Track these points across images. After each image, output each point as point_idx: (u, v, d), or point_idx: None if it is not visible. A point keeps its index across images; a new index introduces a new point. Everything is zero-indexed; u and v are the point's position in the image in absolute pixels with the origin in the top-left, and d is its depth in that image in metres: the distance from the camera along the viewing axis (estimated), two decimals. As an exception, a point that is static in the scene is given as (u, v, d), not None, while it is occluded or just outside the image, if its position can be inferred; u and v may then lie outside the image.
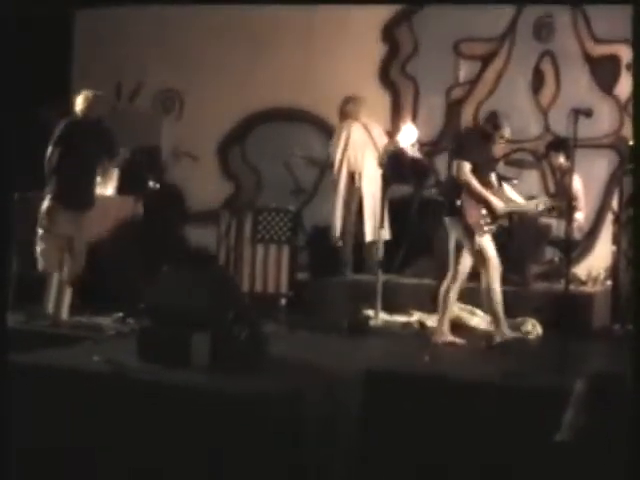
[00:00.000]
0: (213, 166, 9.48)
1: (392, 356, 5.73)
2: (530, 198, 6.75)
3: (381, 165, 7.49)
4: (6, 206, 7.00)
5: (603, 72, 8.14)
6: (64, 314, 6.53)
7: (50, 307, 6.59)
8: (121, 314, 6.61)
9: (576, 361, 5.15)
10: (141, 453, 4.19)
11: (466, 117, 8.60)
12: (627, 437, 2.85)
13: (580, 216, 7.18)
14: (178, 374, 4.45)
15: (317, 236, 8.34)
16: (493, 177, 6.10)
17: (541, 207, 6.48)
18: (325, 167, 8.22)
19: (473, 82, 8.60)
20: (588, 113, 5.73)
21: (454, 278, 6.08)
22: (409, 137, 7.56)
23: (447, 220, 6.07)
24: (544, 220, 7.08)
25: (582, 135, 5.71)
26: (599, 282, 7.53)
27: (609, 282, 7.18)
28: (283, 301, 7.57)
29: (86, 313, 6.72)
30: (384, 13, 8.83)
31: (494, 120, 6.04)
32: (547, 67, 8.33)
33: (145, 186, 8.09)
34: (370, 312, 6.85)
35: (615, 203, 7.31)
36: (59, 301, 6.52)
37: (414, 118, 8.46)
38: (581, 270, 7.59)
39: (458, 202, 5.83)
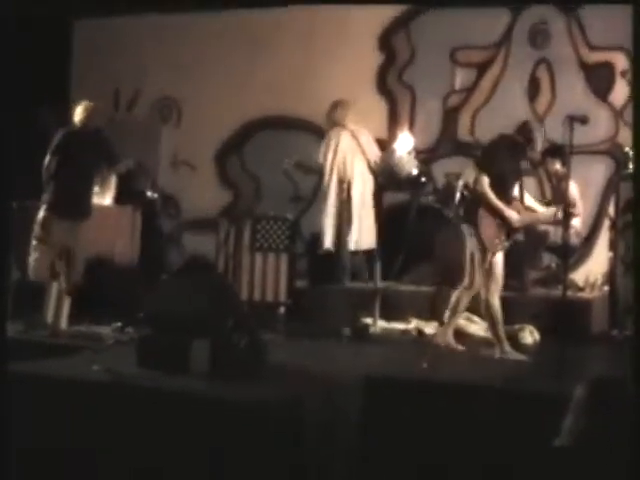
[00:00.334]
0: (211, 174, 9.48)
1: (390, 363, 5.72)
2: (547, 204, 6.70)
3: (377, 173, 7.50)
4: (4, 215, 7.03)
5: (598, 79, 8.16)
6: (63, 324, 6.52)
7: (49, 317, 6.58)
8: (120, 323, 6.60)
9: (575, 366, 5.15)
10: (141, 461, 4.18)
11: (463, 124, 8.61)
12: (628, 442, 2.85)
13: (577, 222, 7.18)
14: (177, 382, 4.45)
15: (315, 244, 8.33)
16: (516, 189, 6.01)
17: (560, 215, 6.38)
18: (320, 175, 8.21)
19: (469, 89, 8.61)
20: (584, 120, 5.74)
21: (470, 285, 5.97)
22: (406, 145, 7.57)
23: (464, 227, 6.04)
24: (541, 227, 7.08)
25: (578, 142, 5.73)
26: (597, 288, 7.52)
27: (606, 288, 7.18)
28: (282, 309, 7.55)
29: (85, 322, 6.71)
30: (381, 21, 8.85)
31: (526, 131, 5.97)
32: (543, 74, 8.34)
33: (143, 195, 8.09)
34: (368, 319, 6.84)
35: (612, 209, 7.32)
36: (58, 311, 6.51)
37: (411, 125, 8.47)
38: (579, 276, 7.59)
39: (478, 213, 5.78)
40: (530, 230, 6.95)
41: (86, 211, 6.68)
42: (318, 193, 8.35)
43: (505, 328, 6.60)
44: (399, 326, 6.91)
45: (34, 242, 6.56)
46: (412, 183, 7.67)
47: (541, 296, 7.13)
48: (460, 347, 6.08)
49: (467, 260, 5.99)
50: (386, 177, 7.40)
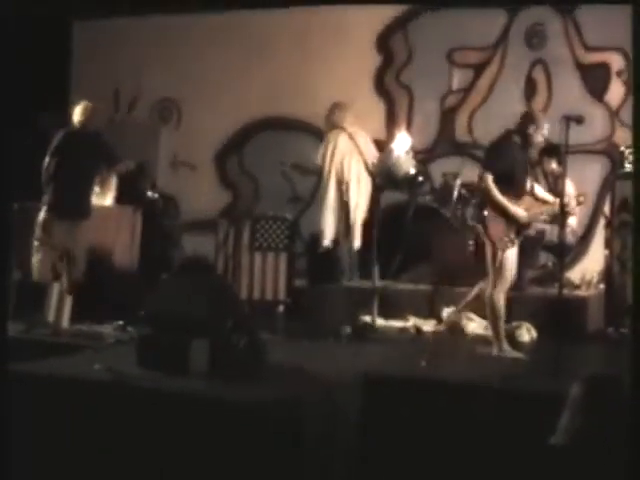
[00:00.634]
0: (211, 175, 9.48)
1: (389, 361, 5.71)
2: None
3: (375, 173, 7.51)
4: (5, 216, 7.02)
5: (594, 79, 8.16)
6: (65, 323, 6.52)
7: (51, 316, 6.58)
8: (121, 322, 6.60)
9: (571, 364, 5.15)
10: (141, 459, 4.18)
11: (460, 124, 8.61)
12: (624, 440, 2.85)
13: (573, 221, 7.18)
14: (177, 381, 4.44)
15: (314, 243, 8.33)
16: (528, 183, 5.95)
17: (573, 203, 6.32)
18: (319, 176, 8.22)
19: (467, 90, 8.61)
20: (579, 120, 5.73)
21: (494, 283, 5.86)
22: (403, 145, 7.57)
23: (478, 227, 6.01)
24: (538, 225, 7.08)
25: (574, 141, 5.71)
26: (592, 286, 7.53)
27: (602, 286, 7.18)
28: (281, 308, 7.56)
29: (86, 321, 6.70)
30: (379, 22, 8.85)
31: (530, 120, 5.86)
32: (539, 75, 8.34)
33: (143, 196, 8.09)
34: (367, 318, 6.84)
35: (607, 208, 7.31)
36: (59, 310, 6.51)
37: (408, 126, 8.46)
38: (575, 274, 7.59)
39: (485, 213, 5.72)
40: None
41: (86, 212, 6.66)
42: (316, 194, 8.36)
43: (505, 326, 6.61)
44: (397, 324, 6.90)
45: (36, 243, 6.55)
46: (410, 183, 7.66)
47: (538, 294, 7.13)
48: (518, 354, 5.87)
49: (488, 259, 5.86)
50: (384, 177, 7.40)
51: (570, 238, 7.09)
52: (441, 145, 8.62)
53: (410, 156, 7.57)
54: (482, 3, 8.40)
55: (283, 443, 4.06)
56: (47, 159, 6.56)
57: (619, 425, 2.91)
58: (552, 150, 7.09)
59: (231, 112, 9.18)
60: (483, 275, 7.16)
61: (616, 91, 8.07)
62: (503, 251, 5.72)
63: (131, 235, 7.83)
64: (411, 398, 4.73)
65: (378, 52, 8.91)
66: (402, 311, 7.05)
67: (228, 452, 3.99)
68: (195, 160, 9.43)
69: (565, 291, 5.84)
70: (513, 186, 5.78)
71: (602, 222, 7.47)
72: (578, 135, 5.83)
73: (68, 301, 6.53)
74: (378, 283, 7.01)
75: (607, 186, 7.69)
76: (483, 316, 6.86)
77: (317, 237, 8.29)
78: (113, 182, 7.86)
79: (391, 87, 8.87)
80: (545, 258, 7.55)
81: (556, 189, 7.10)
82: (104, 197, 7.77)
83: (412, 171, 7.60)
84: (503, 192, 5.73)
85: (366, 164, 7.95)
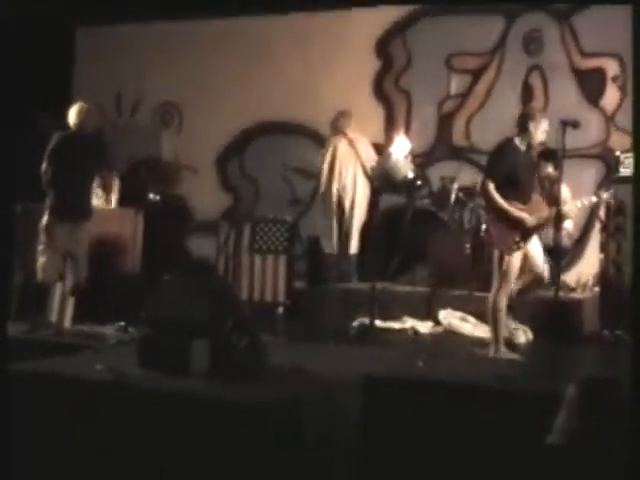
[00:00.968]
0: (212, 178, 9.49)
1: (387, 362, 5.70)
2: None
3: (374, 177, 7.52)
4: (8, 218, 7.02)
5: (590, 85, 8.17)
6: (67, 323, 6.51)
7: (53, 316, 6.57)
8: (122, 323, 6.59)
9: (567, 366, 5.14)
10: (141, 459, 4.17)
11: (458, 129, 8.62)
12: (619, 440, 2.85)
13: (569, 224, 7.18)
14: (178, 382, 4.44)
15: (313, 246, 8.34)
16: (535, 193, 5.90)
17: (586, 202, 6.27)
18: (318, 180, 8.23)
19: (464, 95, 8.62)
20: (575, 124, 5.72)
21: (499, 286, 5.78)
22: (402, 149, 7.57)
23: (483, 232, 5.97)
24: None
25: (570, 146, 5.72)
26: (588, 288, 7.52)
27: (597, 288, 7.17)
28: (280, 309, 7.56)
29: (88, 322, 6.69)
30: (378, 28, 8.86)
31: (529, 118, 5.74)
32: (536, 80, 8.35)
33: (145, 198, 8.09)
34: (365, 319, 6.83)
35: (603, 212, 7.30)
36: (62, 311, 6.50)
37: (407, 130, 8.47)
38: (570, 277, 7.58)
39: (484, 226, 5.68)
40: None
41: (86, 214, 6.60)
42: (316, 197, 8.37)
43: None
44: (395, 326, 6.90)
45: (40, 246, 6.53)
46: (408, 186, 7.67)
47: (534, 297, 7.12)
48: (517, 356, 5.84)
49: (495, 262, 5.81)
50: (382, 180, 7.40)
51: (566, 241, 7.09)
52: (439, 149, 8.63)
53: (408, 160, 7.58)
54: (481, 9, 8.43)
55: (283, 443, 4.05)
56: (44, 162, 6.50)
57: (615, 426, 2.92)
58: (548, 154, 7.09)
59: (232, 116, 9.19)
60: (479, 277, 7.21)
61: (611, 96, 8.08)
62: (509, 255, 5.69)
63: (133, 237, 7.83)
64: (408, 398, 4.73)
65: (377, 57, 8.92)
66: (400, 313, 7.05)
67: (228, 452, 3.98)
68: (197, 163, 9.44)
69: (561, 294, 5.83)
70: (518, 190, 5.73)
71: (597, 226, 7.46)
72: (574, 139, 5.83)
73: (70, 302, 6.52)
74: (376, 285, 7.00)
75: (602, 190, 7.67)
76: (479, 318, 6.88)
77: (317, 239, 8.30)
78: (116, 185, 7.86)
79: (390, 92, 8.88)
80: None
81: (552, 193, 7.11)
82: (107, 199, 7.77)
83: (410, 175, 7.61)
84: (508, 197, 5.69)
85: (365, 169, 7.97)
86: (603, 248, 6.94)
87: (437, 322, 7.01)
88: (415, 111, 8.75)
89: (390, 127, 8.69)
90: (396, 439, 4.61)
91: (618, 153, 7.10)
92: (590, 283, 7.53)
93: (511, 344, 6.14)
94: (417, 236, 7.63)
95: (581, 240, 7.89)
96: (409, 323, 6.93)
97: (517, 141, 5.79)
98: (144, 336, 5.04)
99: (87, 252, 6.62)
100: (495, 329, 5.85)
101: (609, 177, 7.43)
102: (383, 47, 8.90)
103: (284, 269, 7.86)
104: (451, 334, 6.80)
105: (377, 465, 4.57)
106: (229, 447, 3.99)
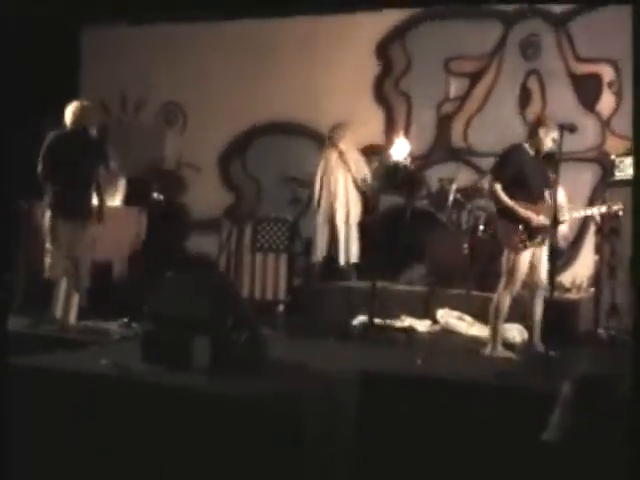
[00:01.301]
0: (215, 177, 9.49)
1: (385, 359, 5.71)
2: None
3: (375, 177, 7.53)
4: (15, 216, 7.03)
5: (586, 90, 8.16)
6: (72, 319, 6.50)
7: (58, 312, 6.57)
8: (126, 319, 6.59)
9: (562, 364, 5.15)
10: (144, 451, 4.17)
11: (456, 131, 8.62)
12: (613, 437, 2.86)
13: (564, 227, 7.17)
14: (180, 376, 4.44)
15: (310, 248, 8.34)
16: (546, 190, 5.85)
17: (596, 211, 6.23)
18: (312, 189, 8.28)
19: (463, 98, 8.62)
20: (572, 128, 5.73)
21: (505, 285, 5.78)
22: (402, 150, 7.58)
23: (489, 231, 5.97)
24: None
25: (566, 149, 5.73)
26: (583, 289, 7.53)
27: (592, 289, 7.18)
28: (281, 307, 7.56)
29: (93, 318, 6.69)
30: (378, 32, 8.87)
31: (540, 123, 5.80)
32: (533, 84, 8.35)
33: (149, 197, 8.09)
34: (364, 317, 6.84)
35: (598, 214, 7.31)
36: (67, 307, 6.48)
37: (406, 132, 8.48)
38: (566, 278, 7.58)
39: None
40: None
41: (86, 212, 6.48)
42: (311, 204, 8.39)
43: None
44: (394, 324, 6.90)
45: (47, 244, 6.51)
46: (407, 187, 7.68)
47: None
48: (512, 355, 5.84)
49: (504, 262, 5.81)
50: (382, 181, 7.41)
51: (562, 243, 7.09)
52: (437, 151, 8.63)
53: (408, 161, 7.59)
54: (479, 14, 8.44)
55: (282, 437, 4.06)
56: (40, 162, 6.42)
57: (608, 423, 2.92)
58: (546, 158, 7.09)
59: (235, 117, 9.20)
60: (476, 277, 7.22)
61: (607, 101, 8.08)
62: (516, 254, 5.69)
63: (137, 234, 7.84)
64: (406, 395, 4.74)
65: (378, 60, 8.92)
66: (398, 311, 7.05)
67: (228, 445, 3.98)
68: (199, 162, 9.44)
69: (556, 294, 5.83)
70: (525, 190, 5.73)
71: (592, 228, 7.46)
72: (571, 143, 5.82)
73: (75, 298, 6.51)
74: (376, 284, 7.01)
75: (598, 193, 7.69)
76: (475, 317, 6.89)
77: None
78: (122, 184, 7.87)
79: (390, 94, 8.88)
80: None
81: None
82: (113, 198, 7.78)
83: (408, 165, 7.62)
84: (516, 197, 5.70)
85: (355, 181, 8.02)
86: (598, 250, 6.94)
87: (435, 321, 7.01)
88: (414, 113, 8.75)
89: (390, 129, 8.69)
90: (393, 435, 4.62)
91: (613, 157, 7.11)
92: (585, 284, 7.54)
93: (507, 343, 6.15)
94: (416, 236, 7.64)
95: (576, 242, 7.90)
96: (407, 322, 6.94)
97: (526, 146, 5.83)
98: (147, 332, 5.05)
99: (90, 251, 6.56)
100: (494, 328, 5.85)
101: (605, 180, 7.43)
102: (383, 50, 8.90)
103: (285, 267, 7.88)
104: (448, 333, 6.81)
105: (375, 460, 4.57)
106: (230, 440, 3.99)
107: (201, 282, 5.09)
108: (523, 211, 5.67)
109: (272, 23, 9.00)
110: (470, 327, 6.80)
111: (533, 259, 5.77)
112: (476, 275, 7.27)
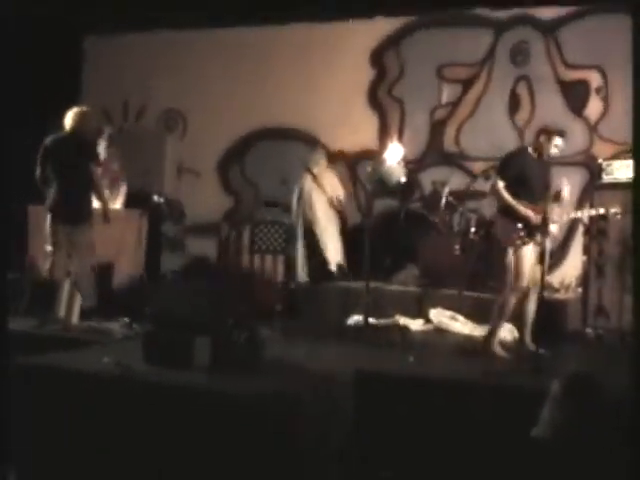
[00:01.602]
0: (214, 182, 9.48)
1: (380, 357, 5.71)
2: None
3: (368, 181, 7.54)
4: (17, 217, 7.00)
5: (574, 95, 8.18)
6: (75, 319, 6.50)
7: (61, 313, 6.55)
8: (128, 319, 6.58)
9: (551, 362, 5.16)
10: (144, 448, 4.17)
11: (448, 136, 8.63)
12: (601, 432, 2.86)
13: (553, 228, 7.17)
14: (181, 375, 4.44)
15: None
16: (548, 192, 5.85)
17: (594, 212, 6.25)
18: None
19: (455, 104, 8.63)
20: (561, 133, 5.76)
21: (511, 284, 5.76)
22: (395, 154, 7.58)
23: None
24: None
25: (555, 153, 5.76)
26: (571, 289, 7.54)
27: (580, 289, 7.18)
28: (279, 307, 7.55)
29: (95, 318, 6.68)
30: (372, 39, 8.87)
31: (543, 132, 5.84)
32: (523, 90, 8.36)
33: (150, 200, 8.08)
34: (359, 317, 6.84)
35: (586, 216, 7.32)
36: (70, 307, 6.47)
37: (400, 137, 8.48)
38: (555, 278, 7.59)
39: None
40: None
41: (85, 214, 6.43)
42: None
43: (487, 326, 6.61)
44: (388, 323, 6.90)
45: (48, 246, 6.49)
46: (401, 190, 7.69)
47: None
48: (506, 354, 5.81)
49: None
50: (377, 185, 7.41)
51: (549, 244, 7.08)
52: (430, 155, 8.64)
53: (401, 165, 7.60)
54: (470, 22, 8.46)
55: (280, 433, 4.06)
56: (37, 166, 6.42)
57: (597, 418, 2.93)
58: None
59: (233, 123, 9.19)
60: (468, 278, 7.22)
61: (595, 107, 8.09)
62: (516, 251, 5.69)
63: (138, 237, 7.82)
64: (400, 392, 4.74)
65: (372, 67, 8.93)
66: (392, 311, 7.05)
67: (228, 441, 3.98)
68: (199, 167, 9.44)
69: (546, 294, 5.84)
70: (527, 191, 5.74)
71: (580, 230, 7.47)
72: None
73: (78, 299, 6.50)
74: (370, 284, 7.01)
75: (585, 196, 7.69)
76: (467, 316, 6.89)
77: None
78: (123, 187, 7.85)
79: (384, 100, 8.89)
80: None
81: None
82: (114, 201, 7.76)
83: (403, 179, 7.63)
84: (519, 196, 5.72)
85: (332, 201, 8.11)
86: (586, 250, 6.95)
87: (428, 320, 7.01)
88: (408, 119, 8.76)
89: (384, 134, 8.70)
90: (387, 430, 4.62)
91: (601, 161, 7.12)
92: (573, 284, 7.55)
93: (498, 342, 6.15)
94: (409, 238, 7.65)
95: (565, 243, 7.90)
96: (401, 321, 6.94)
97: (530, 149, 5.86)
98: (148, 332, 5.04)
99: (90, 252, 6.52)
100: (494, 326, 5.84)
101: (592, 183, 7.44)
102: (377, 58, 8.91)
103: (282, 269, 7.88)
104: (441, 332, 6.81)
105: (370, 455, 4.57)
106: (229, 437, 3.99)
107: (201, 283, 5.09)
108: (523, 209, 5.69)
109: (269, 31, 9.00)
110: (463, 326, 6.81)
111: (530, 258, 5.77)
112: (468, 276, 7.28)
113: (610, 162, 6.97)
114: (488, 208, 7.02)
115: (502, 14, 8.42)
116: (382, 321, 6.91)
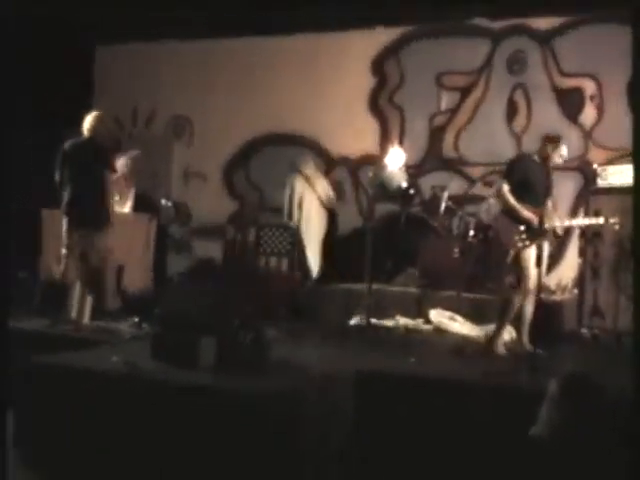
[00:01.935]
0: (220, 186, 9.48)
1: (381, 357, 5.69)
2: None
3: (370, 186, 7.53)
4: (33, 221, 6.99)
5: (569, 103, 8.16)
6: (86, 319, 6.49)
7: (73, 313, 6.55)
8: (136, 320, 6.56)
9: (548, 362, 5.14)
10: (150, 444, 4.15)
11: (447, 142, 8.62)
12: (597, 431, 2.84)
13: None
14: (187, 374, 4.41)
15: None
16: (549, 202, 5.87)
17: (594, 222, 6.23)
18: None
19: (453, 111, 8.62)
20: (557, 140, 5.74)
21: (516, 290, 5.73)
22: (396, 160, 7.57)
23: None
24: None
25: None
26: (567, 291, 7.51)
27: (576, 291, 7.16)
28: (283, 309, 7.53)
29: (105, 318, 6.67)
30: (374, 48, 8.87)
31: (549, 141, 5.85)
32: (520, 98, 8.35)
33: (159, 204, 8.08)
34: (361, 317, 6.82)
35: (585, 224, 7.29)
36: (81, 308, 6.46)
37: (401, 143, 8.47)
38: (551, 280, 7.56)
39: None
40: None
41: (99, 219, 6.37)
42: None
43: (484, 327, 6.60)
44: (389, 324, 6.89)
45: (63, 249, 6.48)
46: (402, 195, 7.67)
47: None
48: (508, 354, 5.75)
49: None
50: (378, 189, 7.40)
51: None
52: (430, 161, 8.63)
53: (402, 170, 7.58)
54: (468, 32, 8.44)
55: (284, 431, 4.04)
56: (56, 170, 6.41)
57: (593, 417, 2.91)
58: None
59: (239, 129, 9.20)
60: (467, 280, 7.20)
61: (589, 114, 8.08)
62: (516, 251, 5.66)
63: (146, 240, 7.81)
64: (401, 391, 4.72)
65: (373, 75, 8.92)
66: (393, 312, 7.03)
67: (232, 439, 3.96)
68: (206, 172, 9.44)
69: (542, 295, 5.81)
70: (530, 195, 5.72)
71: (576, 233, 7.45)
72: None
73: (89, 300, 6.49)
74: (372, 286, 6.99)
75: (581, 200, 7.68)
76: (466, 317, 6.87)
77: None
78: (132, 191, 7.83)
79: (385, 107, 8.88)
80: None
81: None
82: (123, 205, 7.74)
83: (404, 184, 7.61)
84: (523, 199, 5.69)
85: (321, 201, 8.15)
86: (582, 253, 6.93)
87: (427, 321, 6.99)
88: (408, 125, 8.76)
89: (385, 140, 8.69)
90: (387, 428, 4.60)
91: (595, 166, 7.09)
92: (570, 286, 7.52)
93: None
94: (410, 241, 7.63)
95: (561, 246, 7.87)
96: (402, 321, 6.92)
97: (535, 156, 5.85)
98: (156, 333, 5.02)
99: (104, 255, 6.48)
100: (499, 326, 5.80)
101: (587, 188, 7.42)
102: (378, 66, 8.90)
103: (286, 270, 7.87)
104: (441, 332, 6.78)
105: (370, 452, 4.55)
106: (233, 435, 3.96)
107: (208, 285, 5.06)
108: (526, 213, 5.67)
109: (274, 41, 9.00)
110: (461, 326, 6.78)
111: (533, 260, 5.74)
112: (466, 277, 7.26)
113: (605, 167, 6.96)
114: (486, 212, 7.01)
115: (499, 24, 8.41)
116: (383, 321, 6.88)
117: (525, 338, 5.77)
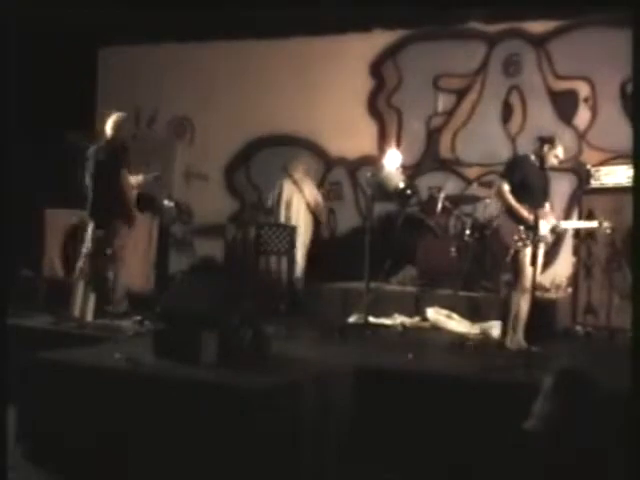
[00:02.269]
0: (220, 185, 9.49)
1: (379, 354, 5.70)
2: None
3: (368, 187, 7.54)
4: (38, 221, 7.00)
5: (564, 105, 8.17)
6: (89, 317, 6.50)
7: (77, 311, 6.55)
8: (139, 317, 6.57)
9: (542, 358, 5.15)
10: (153, 439, 4.16)
11: (444, 143, 8.63)
12: (589, 424, 2.86)
13: (545, 230, 7.16)
14: (189, 370, 4.42)
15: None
16: (547, 204, 5.91)
17: (588, 225, 6.26)
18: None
19: (450, 112, 8.62)
20: (551, 141, 5.75)
21: (516, 283, 5.75)
22: (394, 161, 7.57)
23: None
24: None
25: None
26: (561, 289, 7.52)
27: (570, 289, 7.17)
28: (282, 306, 7.54)
29: (108, 316, 6.67)
30: (372, 51, 8.87)
31: (545, 141, 5.86)
32: (515, 100, 8.36)
33: (161, 204, 8.08)
34: (359, 316, 6.82)
35: (575, 219, 7.30)
36: (84, 305, 6.48)
37: (398, 144, 8.48)
38: (546, 278, 7.57)
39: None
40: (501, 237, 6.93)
41: (122, 218, 6.48)
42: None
43: (480, 324, 6.61)
44: (386, 322, 6.89)
45: (84, 249, 6.51)
46: (399, 195, 7.68)
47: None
48: (534, 347, 5.62)
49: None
50: (376, 190, 7.40)
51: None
52: (427, 162, 8.64)
53: (399, 171, 7.59)
54: (465, 35, 8.45)
55: (284, 425, 4.05)
56: (84, 173, 6.46)
57: (585, 411, 2.92)
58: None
59: (239, 130, 9.20)
60: (463, 278, 7.21)
61: (583, 115, 8.09)
62: (516, 250, 5.67)
63: (149, 239, 7.81)
64: (398, 387, 4.73)
65: (371, 78, 8.93)
66: (391, 310, 7.04)
67: (233, 433, 3.97)
68: (207, 172, 9.44)
69: (537, 293, 5.83)
70: (529, 195, 5.74)
71: (570, 232, 7.46)
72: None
73: (92, 298, 6.50)
74: (370, 285, 7.00)
75: (575, 200, 7.69)
76: (462, 315, 6.88)
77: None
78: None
79: (383, 109, 8.89)
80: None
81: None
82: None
83: (401, 185, 7.62)
84: (521, 199, 5.71)
85: (308, 204, 8.12)
86: (575, 252, 6.94)
87: (424, 319, 7.00)
88: (405, 127, 8.76)
89: (382, 141, 8.70)
90: (385, 423, 4.61)
91: (589, 167, 7.11)
92: (564, 284, 7.53)
93: (490, 339, 6.15)
94: (407, 240, 7.64)
95: (555, 245, 7.88)
96: (399, 319, 6.93)
97: (532, 157, 5.85)
98: (158, 330, 5.02)
99: (120, 256, 6.54)
100: (505, 322, 5.81)
101: (581, 189, 7.43)
102: (376, 69, 8.91)
103: (285, 269, 7.87)
104: (437, 330, 6.79)
105: (368, 448, 4.56)
106: (234, 428, 3.97)
107: (209, 283, 5.06)
108: (525, 213, 5.68)
109: (275, 43, 9.01)
110: (458, 324, 6.79)
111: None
112: (463, 276, 7.27)
113: (598, 168, 6.98)
114: (482, 212, 7.03)
115: (495, 28, 8.42)
116: (381, 320, 6.89)
117: (520, 335, 5.78)
